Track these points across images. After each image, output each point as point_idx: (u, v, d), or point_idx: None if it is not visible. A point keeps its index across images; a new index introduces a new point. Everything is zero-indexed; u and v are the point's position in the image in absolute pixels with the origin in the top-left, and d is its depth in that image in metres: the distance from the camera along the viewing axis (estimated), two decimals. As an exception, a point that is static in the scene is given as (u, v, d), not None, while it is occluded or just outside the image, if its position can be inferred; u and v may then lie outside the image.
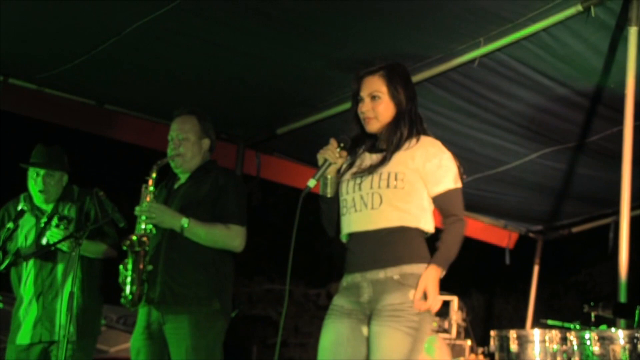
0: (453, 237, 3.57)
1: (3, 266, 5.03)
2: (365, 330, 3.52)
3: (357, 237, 3.58)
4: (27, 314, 5.09)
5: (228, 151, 7.17)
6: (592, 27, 4.90)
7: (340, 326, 3.55)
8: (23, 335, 5.07)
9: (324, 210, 3.72)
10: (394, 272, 3.48)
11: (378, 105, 3.61)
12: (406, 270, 3.47)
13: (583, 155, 6.91)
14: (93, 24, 5.27)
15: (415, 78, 5.67)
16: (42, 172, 5.14)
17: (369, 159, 3.66)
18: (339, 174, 3.71)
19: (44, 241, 4.99)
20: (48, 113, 6.60)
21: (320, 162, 3.62)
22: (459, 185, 3.66)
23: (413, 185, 3.53)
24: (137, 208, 4.50)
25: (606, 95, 5.70)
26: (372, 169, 3.57)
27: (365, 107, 3.63)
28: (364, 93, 3.64)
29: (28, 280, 5.11)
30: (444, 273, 3.52)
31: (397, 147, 3.58)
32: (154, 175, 4.55)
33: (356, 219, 3.58)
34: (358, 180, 3.59)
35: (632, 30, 4.62)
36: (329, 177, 3.67)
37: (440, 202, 3.60)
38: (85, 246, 4.81)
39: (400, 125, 3.61)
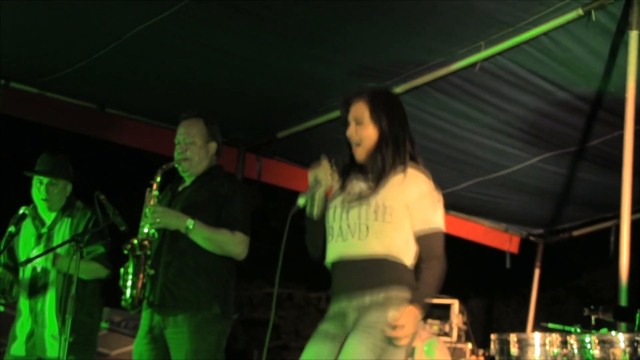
0: (433, 277, 3.53)
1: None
2: None
3: (342, 264, 3.58)
4: (22, 327, 5.09)
5: (229, 155, 7.17)
6: (593, 31, 4.91)
7: (321, 348, 3.54)
8: (17, 348, 5.07)
9: (310, 231, 3.72)
10: (379, 296, 3.47)
11: (361, 130, 3.61)
12: (391, 294, 3.47)
13: (584, 159, 6.91)
14: (94, 28, 5.29)
15: (416, 82, 5.70)
16: (45, 180, 5.12)
17: (358, 186, 3.63)
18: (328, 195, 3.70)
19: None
20: (49, 117, 6.61)
21: (310, 180, 3.62)
22: (444, 227, 3.62)
23: (401, 221, 3.52)
24: (144, 212, 4.50)
25: (607, 99, 5.71)
26: (361, 199, 3.55)
27: (350, 132, 3.64)
28: (350, 117, 3.66)
29: (24, 294, 5.11)
30: (423, 313, 3.50)
31: (383, 173, 3.56)
32: (158, 179, 4.55)
33: (342, 247, 3.57)
34: (346, 208, 3.58)
35: (633, 35, 4.63)
36: (317, 197, 3.66)
37: (425, 241, 3.55)
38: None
39: (382, 149, 3.58)
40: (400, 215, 3.52)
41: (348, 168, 3.70)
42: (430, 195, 3.58)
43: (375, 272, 3.49)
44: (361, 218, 3.53)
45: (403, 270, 3.52)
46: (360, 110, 3.63)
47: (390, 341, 3.42)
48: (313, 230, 3.71)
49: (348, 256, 3.55)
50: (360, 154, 3.63)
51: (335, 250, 3.60)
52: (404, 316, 3.42)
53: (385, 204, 3.51)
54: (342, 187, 3.68)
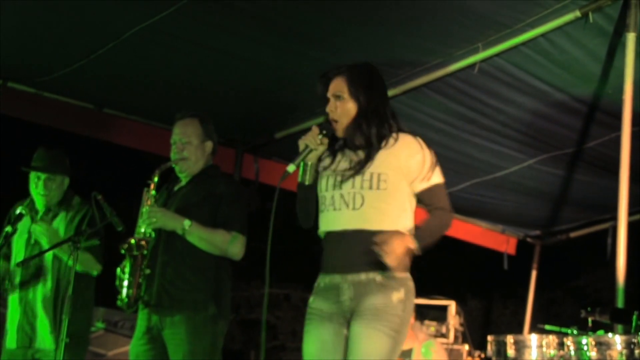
0: (435, 225, 3.58)
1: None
2: (345, 332, 3.51)
3: (335, 236, 3.57)
4: (12, 318, 5.09)
5: (227, 156, 7.17)
6: (590, 33, 4.91)
7: (323, 332, 3.54)
8: (10, 340, 5.08)
9: (301, 198, 3.72)
10: (376, 275, 3.47)
11: (341, 105, 3.62)
12: (389, 274, 3.46)
13: (581, 161, 6.92)
14: (92, 28, 5.28)
15: (413, 83, 5.70)
16: (43, 175, 5.13)
17: (349, 156, 3.64)
18: (320, 162, 3.70)
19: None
20: (47, 117, 6.61)
21: (301, 147, 3.62)
22: (443, 179, 3.65)
23: (396, 186, 3.53)
24: (141, 212, 4.50)
25: (604, 101, 5.71)
26: (354, 169, 3.56)
27: (330, 107, 3.65)
28: (330, 93, 3.67)
29: (16, 284, 5.12)
30: (415, 251, 3.46)
31: (370, 144, 3.57)
32: (155, 179, 4.56)
33: (335, 218, 3.57)
34: (339, 178, 3.58)
35: (630, 37, 4.63)
36: (309, 163, 3.66)
37: (427, 197, 3.59)
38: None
39: (362, 123, 3.59)
40: (394, 180, 3.52)
41: (335, 142, 3.70)
42: (422, 153, 3.58)
43: (370, 246, 3.44)
44: (355, 187, 3.53)
45: None
46: (339, 86, 3.64)
47: (403, 318, 3.43)
48: (304, 196, 3.70)
49: (341, 228, 3.54)
50: (340, 129, 3.64)
51: (328, 220, 3.60)
52: (395, 240, 3.38)
53: (379, 171, 3.52)
54: (332, 160, 3.68)
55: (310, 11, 4.98)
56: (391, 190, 3.51)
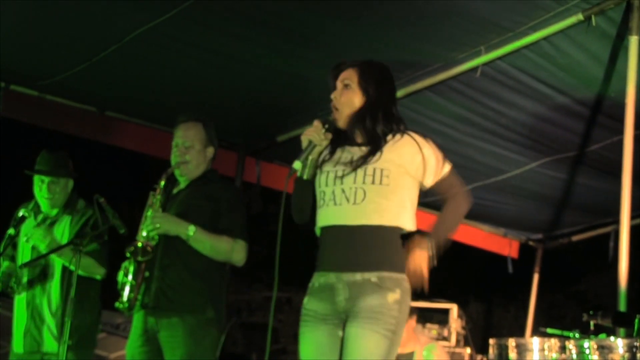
0: (453, 213, 3.65)
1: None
2: (340, 333, 3.50)
3: (333, 231, 3.54)
4: (19, 322, 5.10)
5: (228, 159, 7.18)
6: (593, 36, 4.91)
7: (318, 334, 3.53)
8: (17, 344, 5.09)
9: (297, 192, 3.69)
10: (371, 275, 3.45)
11: (346, 94, 3.61)
12: (384, 275, 3.45)
13: (583, 164, 6.91)
14: (94, 31, 5.29)
15: (416, 86, 5.70)
16: (47, 179, 5.13)
17: (350, 151, 3.62)
18: (319, 157, 3.68)
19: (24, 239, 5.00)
20: (49, 120, 6.62)
21: (304, 144, 3.60)
22: (451, 165, 3.68)
23: (397, 182, 3.51)
24: (145, 216, 4.49)
25: (606, 104, 5.71)
26: (355, 163, 3.54)
27: (335, 93, 3.64)
28: (338, 82, 3.66)
29: (22, 289, 5.12)
30: (438, 246, 3.51)
31: (376, 138, 3.56)
32: (162, 183, 4.56)
33: (335, 213, 3.54)
34: (340, 173, 3.55)
35: (633, 40, 4.62)
36: (309, 158, 3.64)
37: (441, 186, 3.63)
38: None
39: (366, 117, 3.58)
40: (396, 176, 3.51)
41: (337, 135, 3.67)
42: (426, 148, 3.60)
43: (368, 250, 3.46)
44: (357, 182, 3.50)
45: (397, 245, 3.51)
46: (349, 75, 3.64)
47: (399, 319, 3.42)
48: (300, 190, 3.68)
49: (341, 223, 3.52)
50: (340, 118, 3.63)
51: (327, 215, 3.57)
52: (416, 262, 3.44)
53: (382, 166, 3.50)
54: (332, 154, 3.66)
55: (312, 14, 4.98)
56: (393, 186, 3.50)
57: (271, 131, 6.94)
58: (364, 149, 3.57)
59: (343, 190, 3.53)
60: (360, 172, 3.52)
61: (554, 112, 5.98)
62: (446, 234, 3.57)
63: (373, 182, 3.49)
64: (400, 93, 5.71)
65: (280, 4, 4.86)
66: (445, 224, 3.61)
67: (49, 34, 5.38)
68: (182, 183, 4.71)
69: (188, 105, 5.84)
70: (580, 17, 4.72)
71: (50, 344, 4.97)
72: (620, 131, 4.70)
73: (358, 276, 3.46)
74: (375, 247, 3.48)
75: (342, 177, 3.54)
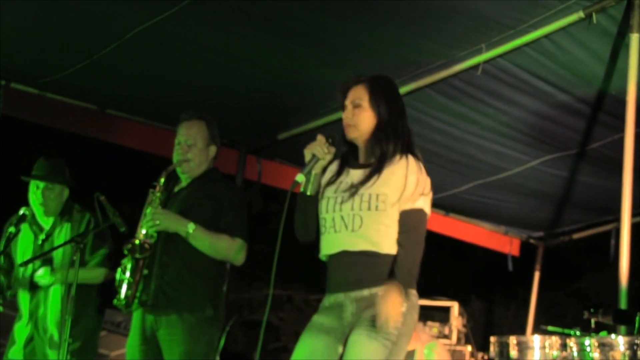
0: (407, 257, 3.47)
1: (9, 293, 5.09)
2: (340, 349, 3.48)
3: (338, 257, 3.55)
4: (21, 331, 5.10)
5: (229, 157, 7.18)
6: (594, 34, 4.91)
7: (316, 342, 3.51)
8: (16, 352, 5.08)
9: (301, 208, 3.67)
10: (379, 289, 3.43)
11: (359, 113, 3.60)
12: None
13: (584, 162, 6.91)
14: (95, 29, 5.29)
15: (417, 84, 5.69)
16: (42, 185, 5.12)
17: (351, 176, 3.61)
18: (323, 173, 3.67)
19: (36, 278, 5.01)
20: (50, 118, 6.62)
21: (307, 157, 3.60)
22: (429, 211, 3.57)
23: (394, 206, 3.50)
24: (144, 213, 4.49)
25: (607, 102, 5.71)
26: (354, 189, 3.52)
27: (347, 114, 3.63)
28: (347, 101, 3.64)
29: (24, 297, 5.12)
30: (408, 287, 3.45)
31: (382, 163, 3.54)
32: (162, 181, 4.55)
33: (335, 240, 3.54)
34: (339, 200, 3.55)
35: (634, 37, 4.62)
36: (313, 173, 3.63)
37: (406, 219, 3.50)
38: (83, 274, 4.81)
39: (381, 138, 3.57)
40: (393, 200, 3.48)
41: (345, 158, 3.67)
42: (419, 176, 3.53)
43: (371, 265, 3.46)
44: (354, 209, 3.50)
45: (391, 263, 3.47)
46: (359, 94, 3.63)
47: (401, 331, 3.40)
48: (304, 207, 3.66)
49: (342, 249, 3.52)
50: (353, 133, 3.61)
51: (329, 243, 3.57)
52: (385, 305, 3.35)
53: (378, 191, 3.49)
54: (337, 176, 3.65)
55: (313, 13, 4.98)
56: (389, 212, 3.49)
57: (272, 129, 6.94)
58: (365, 172, 3.56)
59: (342, 217, 3.53)
60: (357, 198, 3.51)
61: (555, 110, 5.98)
62: (410, 275, 3.46)
63: (369, 209, 3.48)
64: (401, 91, 5.70)
65: (281, 2, 4.86)
66: (405, 270, 3.45)
67: (49, 32, 5.38)
68: (184, 181, 4.70)
69: (189, 103, 5.84)
70: (581, 14, 4.72)
71: (53, 355, 4.96)
72: (621, 129, 4.70)
73: (365, 292, 3.47)
74: (378, 265, 3.48)
75: (341, 203, 3.54)
